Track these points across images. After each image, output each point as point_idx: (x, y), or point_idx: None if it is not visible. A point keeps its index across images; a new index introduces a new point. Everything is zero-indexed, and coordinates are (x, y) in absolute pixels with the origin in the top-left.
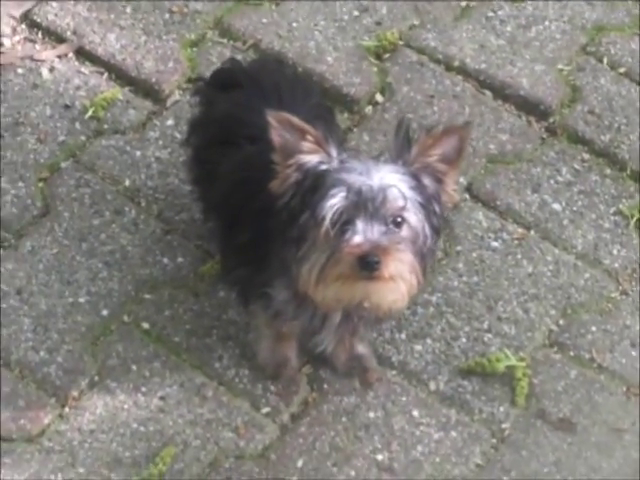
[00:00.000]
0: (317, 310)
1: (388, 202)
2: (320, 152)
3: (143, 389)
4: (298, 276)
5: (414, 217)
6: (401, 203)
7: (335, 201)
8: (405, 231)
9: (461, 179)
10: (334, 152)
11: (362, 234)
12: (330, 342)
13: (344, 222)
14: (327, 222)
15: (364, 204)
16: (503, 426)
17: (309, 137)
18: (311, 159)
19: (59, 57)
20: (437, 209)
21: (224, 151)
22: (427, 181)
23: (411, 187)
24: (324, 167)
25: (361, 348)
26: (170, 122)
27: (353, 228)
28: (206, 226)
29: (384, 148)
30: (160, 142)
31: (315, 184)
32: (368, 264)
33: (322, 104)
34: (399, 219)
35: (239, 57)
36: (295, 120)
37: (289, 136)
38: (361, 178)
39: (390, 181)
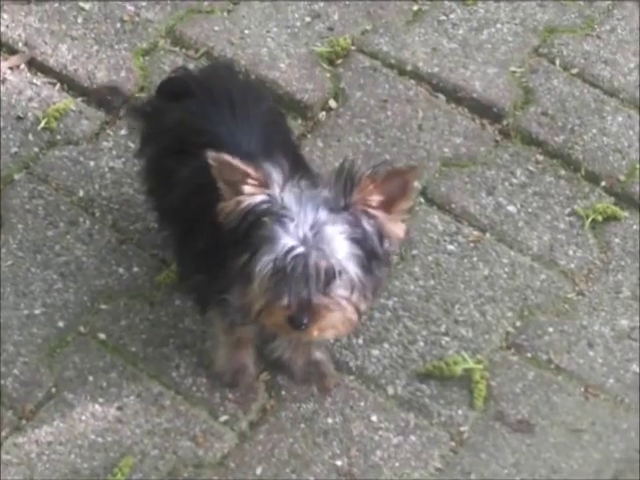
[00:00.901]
0: None
1: (322, 264)
2: (262, 193)
3: (100, 400)
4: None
5: (352, 269)
6: (336, 267)
7: (268, 260)
8: (341, 282)
9: (416, 183)
10: (277, 191)
11: (291, 295)
12: (285, 349)
13: (278, 280)
14: (259, 280)
15: (295, 267)
16: (462, 429)
17: (250, 180)
18: (253, 200)
19: (11, 69)
20: (379, 248)
21: (178, 160)
22: (368, 224)
23: (351, 238)
24: (265, 207)
25: (318, 354)
26: (123, 132)
27: (284, 287)
28: (161, 235)
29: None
30: (114, 152)
31: (255, 226)
32: (296, 325)
33: (274, 109)
34: (334, 275)
35: (191, 65)
36: (235, 162)
37: (231, 177)
38: (295, 238)
39: (328, 234)
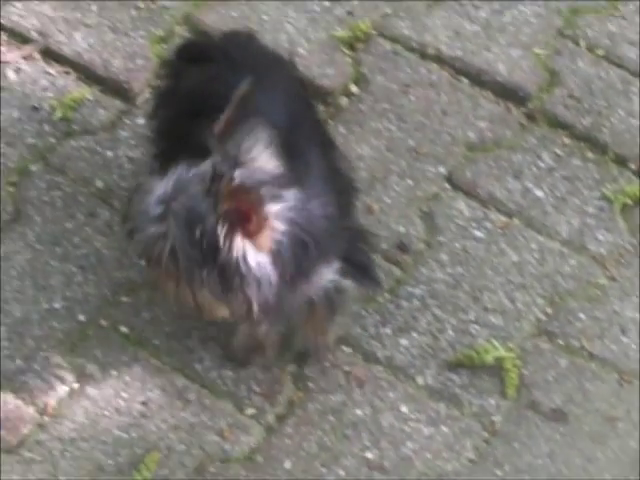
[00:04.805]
0: None
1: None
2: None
3: (124, 394)
4: None
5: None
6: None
7: None
8: None
9: (441, 169)
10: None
11: None
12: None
13: None
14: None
15: None
16: (494, 419)
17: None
18: None
19: (25, 58)
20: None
21: (195, 122)
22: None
23: None
24: None
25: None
26: (141, 121)
27: None
28: None
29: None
30: (131, 141)
31: None
32: None
33: (295, 76)
34: None
35: None
36: None
37: None
38: None
39: None
